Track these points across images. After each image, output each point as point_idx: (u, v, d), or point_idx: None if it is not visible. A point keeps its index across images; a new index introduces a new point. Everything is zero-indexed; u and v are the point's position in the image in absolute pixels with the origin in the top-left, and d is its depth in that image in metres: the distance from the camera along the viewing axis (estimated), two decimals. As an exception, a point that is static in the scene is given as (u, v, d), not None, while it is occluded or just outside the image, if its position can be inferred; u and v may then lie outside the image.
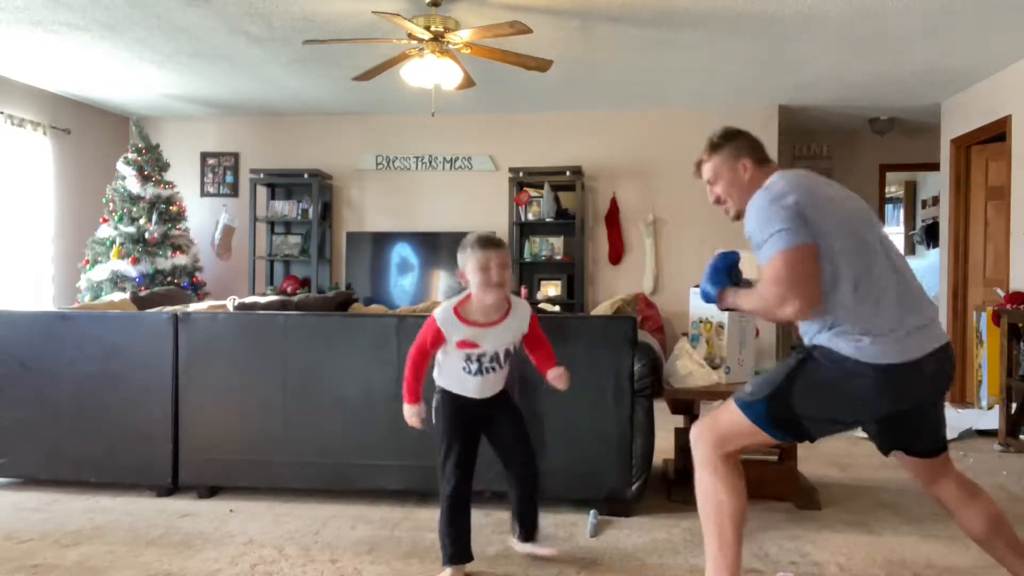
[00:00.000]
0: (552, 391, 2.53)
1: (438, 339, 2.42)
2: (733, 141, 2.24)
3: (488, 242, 2.39)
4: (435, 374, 2.54)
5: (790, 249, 1.97)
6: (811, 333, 2.10)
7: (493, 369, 2.49)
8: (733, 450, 2.12)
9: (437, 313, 2.43)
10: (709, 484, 2.11)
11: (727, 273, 2.24)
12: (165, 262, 6.07)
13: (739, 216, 2.24)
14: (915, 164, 7.82)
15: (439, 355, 2.51)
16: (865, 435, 2.28)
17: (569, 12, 4.36)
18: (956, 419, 4.92)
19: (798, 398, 2.05)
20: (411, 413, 2.48)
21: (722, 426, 2.12)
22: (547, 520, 2.99)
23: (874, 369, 1.96)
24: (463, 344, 2.42)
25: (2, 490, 3.39)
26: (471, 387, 2.49)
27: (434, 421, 2.52)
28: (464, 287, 2.45)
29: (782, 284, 1.97)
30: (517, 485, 2.60)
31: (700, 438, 2.15)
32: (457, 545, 2.46)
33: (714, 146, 2.25)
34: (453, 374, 2.50)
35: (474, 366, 2.46)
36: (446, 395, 2.52)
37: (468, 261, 2.39)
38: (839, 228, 2.03)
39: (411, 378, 2.47)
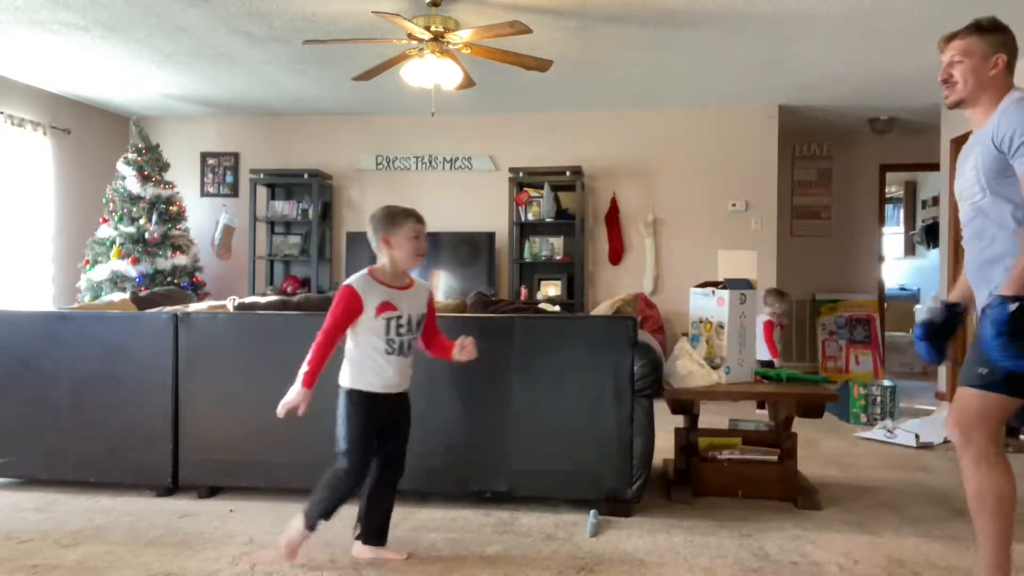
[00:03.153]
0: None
1: (353, 307, 2.40)
2: (1001, 34, 2.19)
3: (418, 215, 2.49)
4: (344, 377, 2.49)
5: None
6: (992, 285, 2.07)
7: (409, 345, 2.48)
8: (996, 433, 2.10)
9: (352, 281, 2.43)
10: (987, 478, 2.08)
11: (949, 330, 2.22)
12: (165, 262, 6.07)
13: (956, 104, 2.21)
14: (915, 164, 7.81)
15: (350, 347, 2.47)
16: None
17: (569, 12, 4.36)
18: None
19: None
20: (303, 397, 2.40)
21: (981, 416, 2.08)
22: (547, 520, 2.99)
23: None
24: (383, 307, 2.41)
25: (2, 490, 3.39)
26: (390, 374, 2.47)
27: (340, 423, 2.48)
28: (379, 255, 2.49)
29: None
30: (386, 487, 2.57)
31: (972, 434, 2.09)
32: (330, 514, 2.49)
33: (980, 28, 2.20)
34: (368, 363, 2.45)
35: (396, 342, 2.44)
36: (357, 395, 2.47)
37: (399, 230, 2.44)
38: None
39: (318, 360, 2.39)
